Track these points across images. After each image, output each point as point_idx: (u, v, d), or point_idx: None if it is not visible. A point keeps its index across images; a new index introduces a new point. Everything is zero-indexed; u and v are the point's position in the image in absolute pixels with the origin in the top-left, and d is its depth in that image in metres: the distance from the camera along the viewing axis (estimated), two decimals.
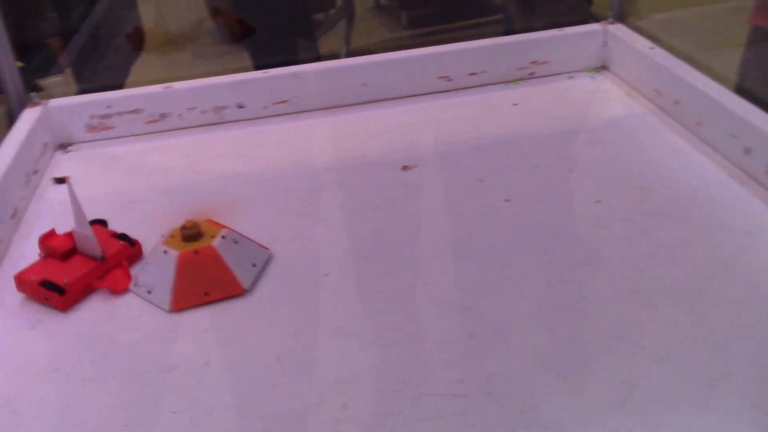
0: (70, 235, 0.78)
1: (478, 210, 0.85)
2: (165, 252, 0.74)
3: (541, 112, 1.06)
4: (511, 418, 0.59)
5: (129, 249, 0.79)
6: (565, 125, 1.02)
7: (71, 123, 1.06)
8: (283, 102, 1.10)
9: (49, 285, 0.73)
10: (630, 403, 0.59)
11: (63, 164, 1.03)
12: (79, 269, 0.75)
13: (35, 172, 0.97)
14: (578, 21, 1.19)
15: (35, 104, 1.05)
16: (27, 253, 0.82)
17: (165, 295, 0.73)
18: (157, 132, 1.08)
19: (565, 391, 0.61)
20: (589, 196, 0.86)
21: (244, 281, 0.74)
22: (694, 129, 0.95)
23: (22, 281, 0.75)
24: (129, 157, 1.03)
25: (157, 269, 0.74)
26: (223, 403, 0.62)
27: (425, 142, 1.01)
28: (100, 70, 1.57)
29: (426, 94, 1.13)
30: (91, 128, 1.07)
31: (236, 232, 0.78)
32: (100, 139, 1.08)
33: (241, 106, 1.09)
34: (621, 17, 1.16)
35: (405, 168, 0.94)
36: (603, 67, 1.16)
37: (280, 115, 1.10)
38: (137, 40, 1.70)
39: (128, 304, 0.74)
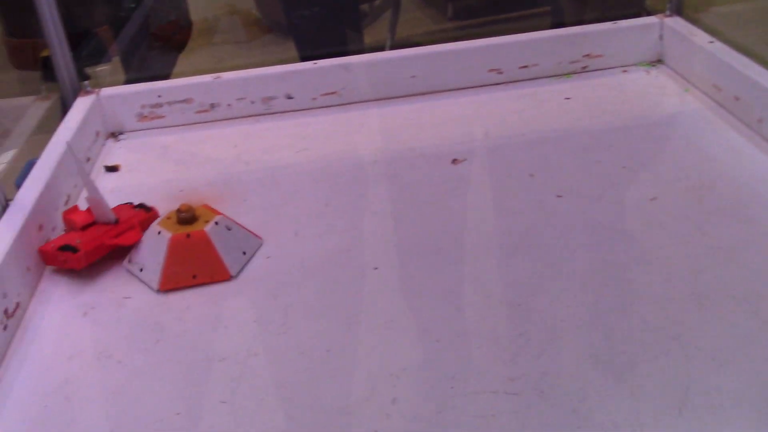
0: (89, 211, 0.80)
1: (530, 205, 0.84)
2: (159, 233, 0.76)
3: (594, 106, 1.04)
4: (564, 417, 0.58)
5: (143, 214, 0.81)
6: (619, 120, 1.00)
7: (123, 112, 1.07)
8: (332, 93, 1.09)
9: (64, 247, 0.76)
10: (687, 407, 0.57)
11: (114, 153, 1.04)
12: (94, 233, 0.78)
13: (88, 159, 0.98)
14: (630, 14, 1.16)
15: (88, 93, 1.07)
16: None
17: (155, 275, 0.75)
18: (206, 122, 1.09)
19: (620, 392, 0.59)
20: (644, 194, 0.84)
21: (232, 268, 0.76)
22: (756, 126, 0.92)
23: (45, 252, 0.78)
24: (179, 146, 1.04)
25: (150, 249, 0.76)
26: (272, 395, 0.62)
27: (475, 136, 0.99)
28: (147, 60, 1.58)
29: (476, 86, 1.11)
30: (142, 117, 1.08)
31: (230, 219, 0.79)
32: (151, 128, 1.09)
33: (289, 97, 1.09)
34: (678, 10, 1.13)
35: (455, 161, 0.93)
36: (658, 61, 1.14)
37: (328, 106, 1.10)
38: (174, 38, 1.69)
39: (179, 294, 0.75)
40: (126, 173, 0.98)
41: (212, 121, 1.09)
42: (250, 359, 0.66)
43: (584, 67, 1.13)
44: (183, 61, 1.60)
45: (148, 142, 1.06)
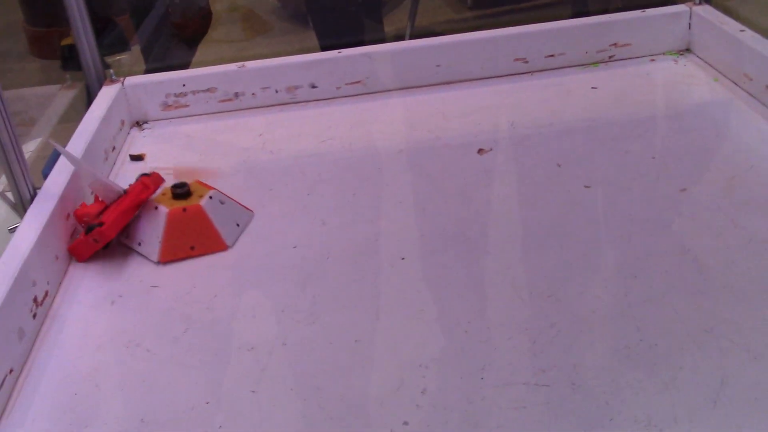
0: (97, 199, 0.82)
1: (558, 196, 0.83)
2: (156, 208, 0.78)
3: (622, 96, 1.02)
4: (596, 410, 0.57)
5: (147, 177, 0.81)
6: (648, 110, 0.98)
7: (147, 101, 1.07)
8: (357, 83, 1.09)
9: (89, 229, 0.77)
10: (722, 400, 0.57)
11: (139, 141, 1.04)
12: (112, 209, 0.79)
13: (113, 149, 0.98)
14: (659, 2, 1.14)
15: (113, 82, 1.07)
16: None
17: (154, 248, 0.77)
18: (230, 111, 1.09)
19: (654, 385, 0.59)
20: (674, 185, 0.82)
21: (228, 239, 0.79)
22: None
23: (76, 246, 0.79)
24: (203, 135, 1.04)
25: (148, 223, 0.79)
26: (302, 384, 0.62)
27: (501, 125, 0.98)
28: (167, 49, 1.58)
29: (501, 76, 1.10)
30: (166, 106, 1.08)
31: (223, 193, 0.82)
32: (175, 117, 1.08)
33: (314, 86, 1.08)
34: None
35: (481, 151, 0.93)
36: (687, 50, 1.12)
37: (353, 95, 1.09)
38: (194, 27, 1.68)
39: (206, 282, 0.75)
40: (151, 162, 0.98)
41: (236, 110, 1.09)
42: (279, 349, 0.66)
43: (611, 57, 1.11)
44: (202, 50, 1.60)
45: (173, 131, 1.06)
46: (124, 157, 0.99)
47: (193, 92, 1.07)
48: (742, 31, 1.01)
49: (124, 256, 0.80)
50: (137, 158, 0.99)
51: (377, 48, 1.09)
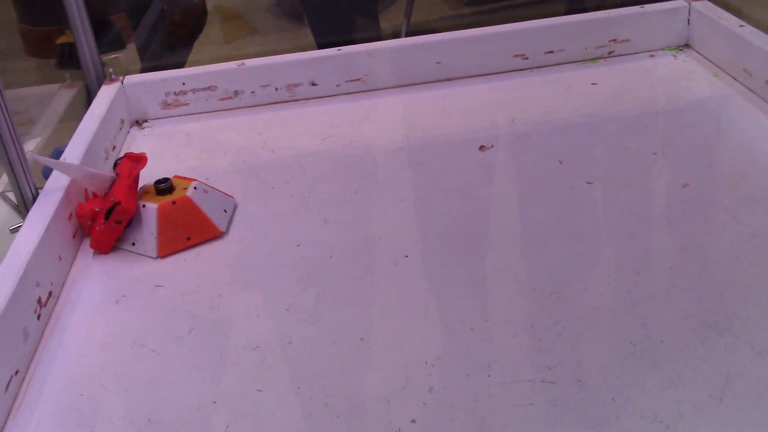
0: (89, 199, 0.82)
1: (560, 192, 0.83)
2: (144, 206, 0.79)
3: (622, 91, 1.02)
4: (603, 406, 0.57)
5: (127, 156, 0.83)
6: (648, 106, 0.98)
7: (147, 99, 1.07)
8: (357, 80, 1.09)
9: (108, 213, 0.77)
10: (728, 396, 0.57)
11: (139, 140, 1.04)
12: (113, 193, 0.80)
13: (113, 147, 0.98)
14: None
15: (112, 81, 1.06)
16: None
17: (151, 244, 0.79)
18: (230, 109, 1.09)
19: (659, 381, 0.59)
20: (676, 180, 0.83)
21: (220, 225, 0.81)
22: None
23: (99, 241, 0.79)
24: (203, 134, 1.04)
25: (139, 223, 0.80)
26: (308, 383, 0.62)
27: (502, 122, 0.98)
28: (163, 47, 1.58)
29: (501, 72, 1.10)
30: (166, 105, 1.08)
31: (204, 183, 0.84)
32: (175, 116, 1.08)
33: (314, 84, 1.08)
34: None
35: (482, 148, 0.93)
36: (686, 46, 1.12)
37: (353, 93, 1.09)
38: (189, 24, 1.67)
39: (210, 282, 0.75)
40: (151, 161, 0.97)
41: (236, 108, 1.09)
42: (284, 348, 0.66)
43: (611, 53, 1.12)
44: (197, 49, 1.59)
45: (173, 130, 1.06)
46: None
47: (193, 90, 1.07)
48: (741, 26, 1.01)
49: (126, 256, 0.80)
50: None
51: (377, 45, 1.09)
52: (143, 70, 1.42)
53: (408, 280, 0.72)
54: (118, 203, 0.77)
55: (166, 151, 1.00)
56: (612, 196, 0.81)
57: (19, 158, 0.78)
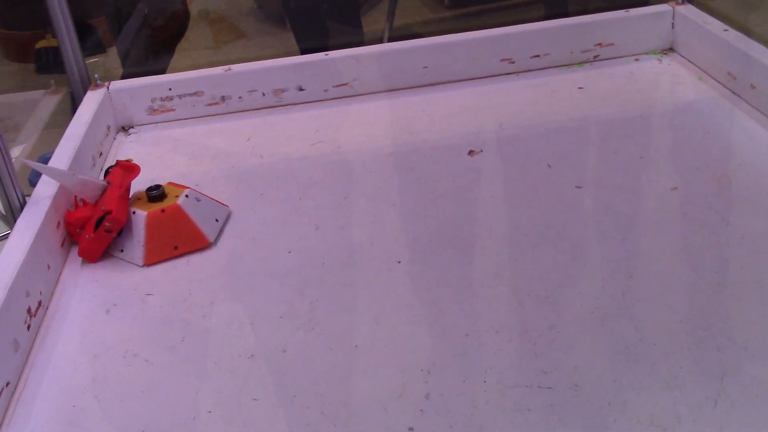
0: (78, 206, 0.82)
1: (550, 196, 0.83)
2: (134, 213, 0.79)
3: (608, 95, 1.03)
4: (599, 410, 0.58)
5: (119, 165, 0.84)
6: (634, 109, 0.99)
7: (133, 105, 1.06)
8: (344, 85, 1.08)
9: (98, 222, 0.77)
10: (723, 398, 0.57)
11: (125, 147, 1.03)
12: (102, 202, 0.79)
13: (100, 154, 0.97)
14: (641, 2, 1.15)
15: (98, 86, 1.05)
16: None
17: (138, 252, 0.78)
18: (217, 114, 1.08)
19: (655, 384, 0.59)
20: (665, 184, 0.83)
21: (210, 235, 0.80)
22: None
23: (87, 249, 0.78)
24: (190, 140, 1.03)
25: (128, 229, 0.79)
26: (304, 391, 0.62)
27: (490, 126, 0.99)
28: (145, 51, 1.57)
29: (488, 76, 1.11)
30: (152, 111, 1.07)
31: (197, 191, 0.83)
32: (161, 122, 1.07)
33: (301, 89, 1.08)
34: None
35: (471, 153, 0.93)
36: (670, 50, 1.13)
37: (340, 98, 1.09)
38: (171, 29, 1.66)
39: (201, 289, 0.74)
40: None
41: (223, 113, 1.08)
42: (279, 356, 0.65)
43: (596, 56, 1.12)
44: (179, 54, 1.58)
45: (159, 136, 1.05)
46: (111, 163, 0.98)
47: (180, 96, 1.06)
48: (725, 30, 1.02)
49: (114, 263, 0.79)
50: None
51: (364, 50, 1.08)
52: (126, 75, 1.41)
53: (401, 286, 0.72)
54: (110, 212, 0.76)
55: (154, 157, 0.99)
56: (602, 200, 0.82)
57: (6, 165, 0.77)
